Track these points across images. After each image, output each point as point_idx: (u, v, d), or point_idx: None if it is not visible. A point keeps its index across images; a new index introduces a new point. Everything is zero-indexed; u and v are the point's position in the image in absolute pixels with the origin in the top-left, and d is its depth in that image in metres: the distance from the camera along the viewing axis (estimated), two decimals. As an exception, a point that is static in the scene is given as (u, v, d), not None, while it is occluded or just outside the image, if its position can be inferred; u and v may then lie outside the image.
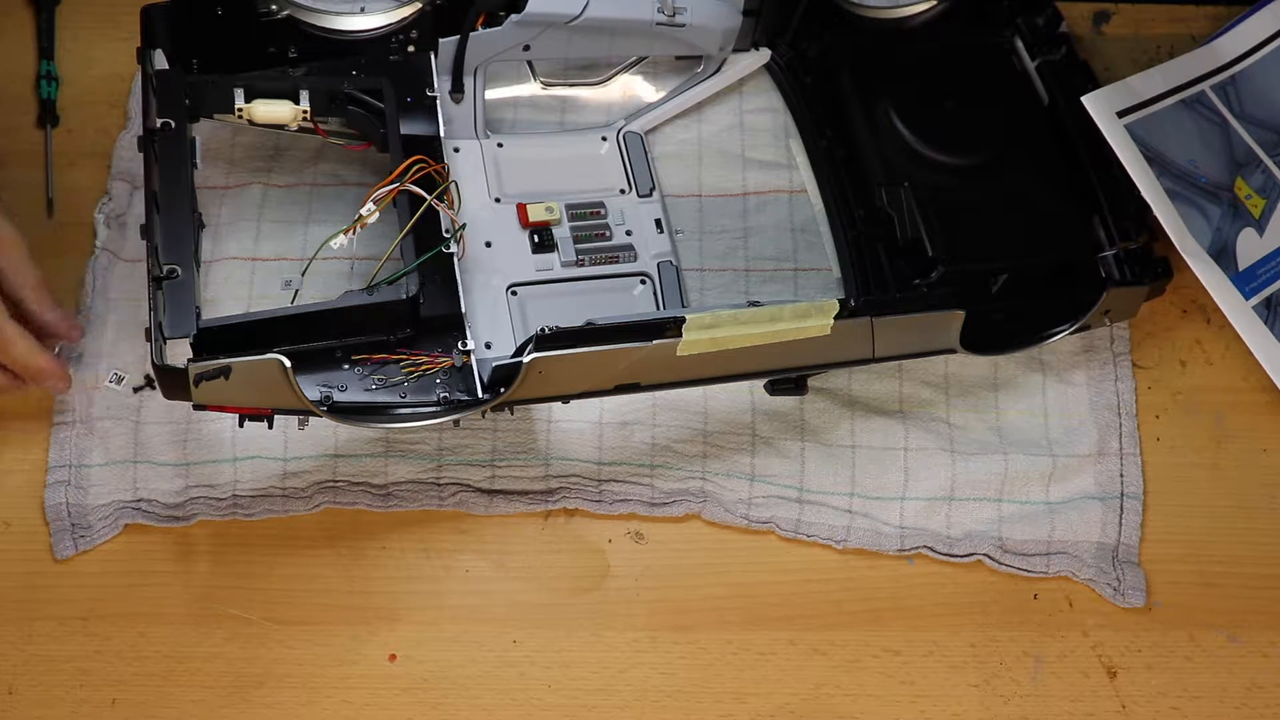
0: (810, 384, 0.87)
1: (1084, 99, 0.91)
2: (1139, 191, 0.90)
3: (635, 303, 0.89)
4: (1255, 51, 0.98)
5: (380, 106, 0.86)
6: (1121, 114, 0.92)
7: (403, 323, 0.79)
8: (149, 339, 0.73)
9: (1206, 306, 0.96)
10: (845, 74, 0.94)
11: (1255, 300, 0.91)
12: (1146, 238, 0.90)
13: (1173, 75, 0.95)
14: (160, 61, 0.85)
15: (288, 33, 0.87)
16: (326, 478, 0.86)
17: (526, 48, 0.92)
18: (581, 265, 0.89)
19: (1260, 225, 0.93)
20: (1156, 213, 0.90)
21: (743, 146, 0.98)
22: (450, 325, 0.81)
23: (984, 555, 0.87)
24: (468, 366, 0.80)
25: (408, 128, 0.86)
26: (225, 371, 0.72)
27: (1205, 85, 0.96)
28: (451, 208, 0.83)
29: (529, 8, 0.89)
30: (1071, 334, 0.89)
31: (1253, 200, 0.94)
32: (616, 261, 0.89)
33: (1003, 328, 0.88)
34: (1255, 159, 0.95)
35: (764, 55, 0.99)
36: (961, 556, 0.87)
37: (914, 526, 0.88)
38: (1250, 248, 0.93)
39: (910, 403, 0.91)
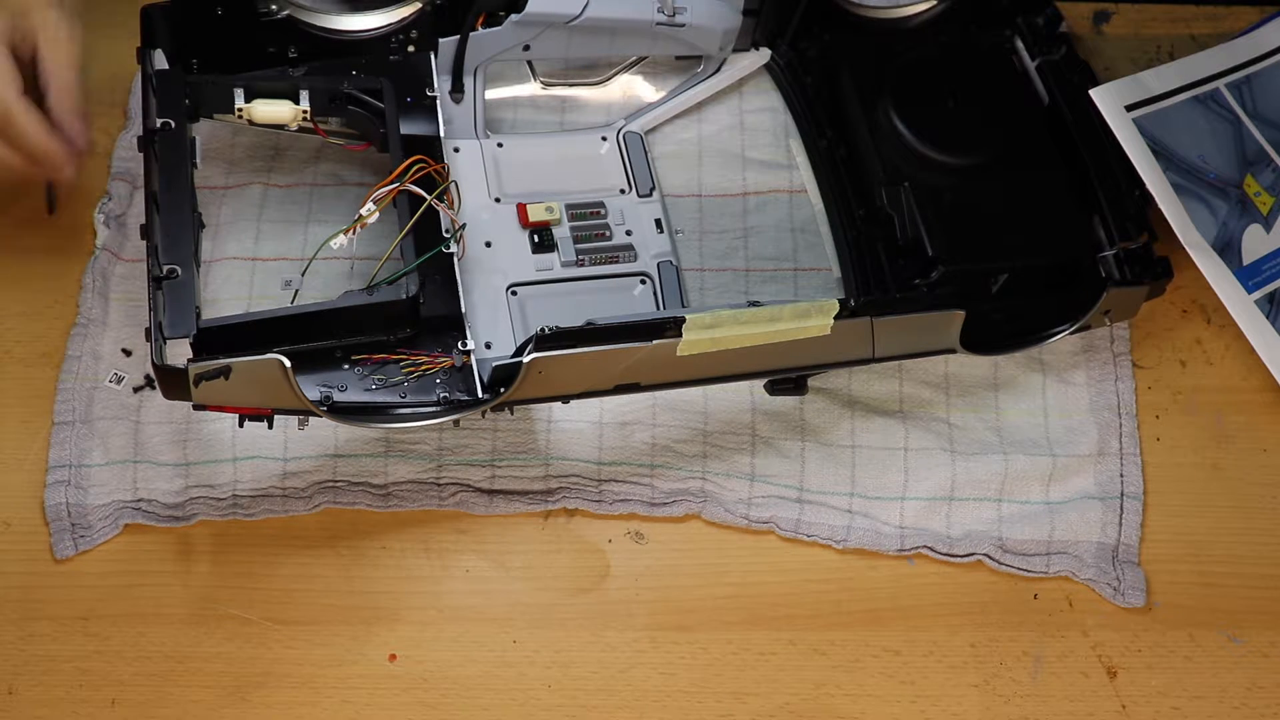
0: (810, 384, 0.87)
1: (1092, 92, 0.91)
2: (1140, 189, 0.91)
3: (635, 303, 0.89)
4: (1273, 54, 0.99)
5: (380, 106, 0.86)
6: (1129, 108, 0.92)
7: (403, 323, 0.79)
8: (149, 339, 0.73)
9: (1207, 306, 0.96)
10: (845, 74, 0.94)
11: (1258, 295, 0.91)
12: (1146, 238, 0.90)
13: (1188, 71, 0.96)
14: (160, 61, 0.85)
15: (288, 33, 0.87)
16: (326, 478, 0.86)
17: (526, 48, 0.92)
18: (581, 265, 0.89)
19: (1268, 222, 0.94)
20: (1161, 205, 0.90)
21: (743, 146, 0.98)
22: (450, 325, 0.81)
23: (984, 555, 0.87)
24: (468, 366, 0.80)
25: (408, 128, 0.86)
26: (225, 371, 0.72)
27: (1220, 83, 0.97)
28: (451, 208, 0.83)
29: (529, 8, 0.89)
30: (1071, 334, 0.89)
31: (1261, 197, 0.94)
32: (616, 261, 0.89)
33: (1003, 328, 0.88)
34: (1266, 157, 0.96)
35: (764, 55, 0.99)
36: (961, 556, 0.87)
37: (914, 526, 0.88)
38: (1256, 243, 0.93)
39: (910, 403, 0.91)
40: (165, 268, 0.76)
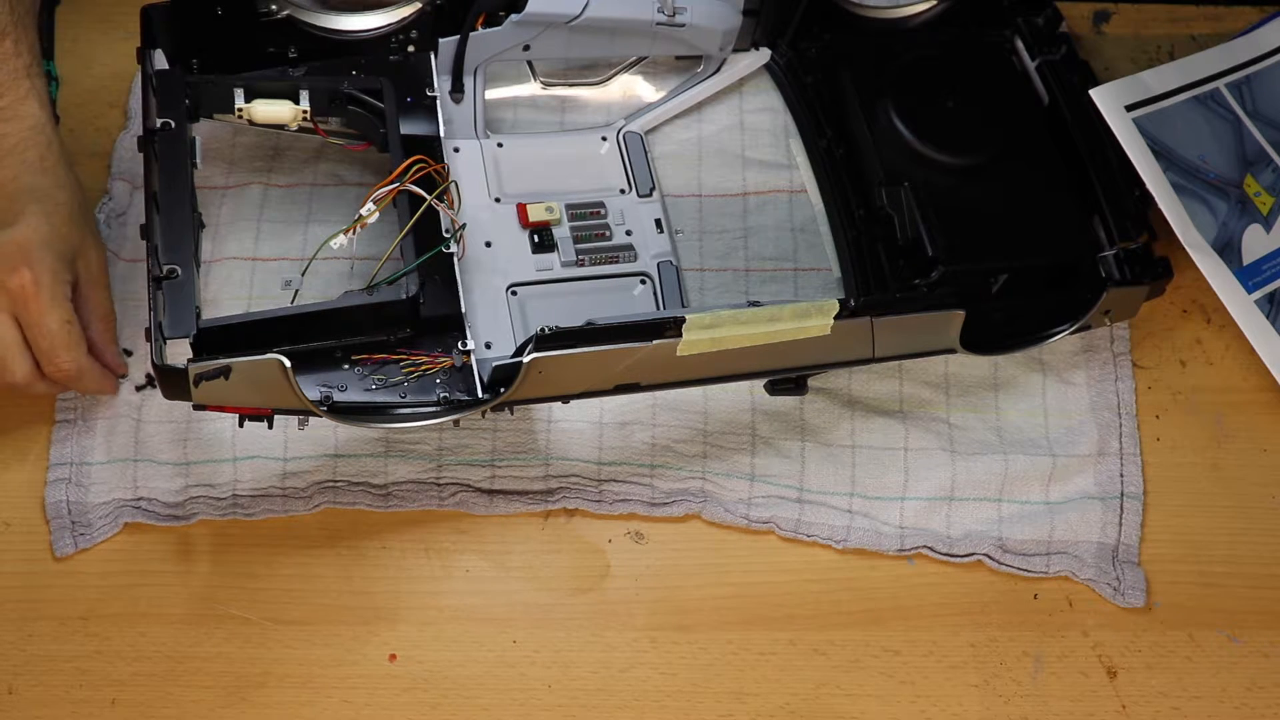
0: (810, 384, 0.87)
1: (1092, 91, 0.91)
2: (1140, 189, 0.91)
3: (635, 303, 0.89)
4: (1273, 55, 0.99)
5: (380, 106, 0.86)
6: (1129, 108, 0.92)
7: (403, 323, 0.79)
8: (149, 339, 0.73)
9: (1206, 306, 0.96)
10: (845, 74, 0.94)
11: (1258, 295, 0.91)
12: (1146, 237, 0.90)
13: (1188, 71, 0.96)
14: (160, 61, 0.85)
15: (288, 33, 0.87)
16: (326, 478, 0.86)
17: (526, 48, 0.92)
18: (581, 265, 0.89)
19: (1268, 222, 0.94)
20: (1161, 205, 0.90)
21: (743, 146, 0.98)
22: (450, 325, 0.81)
23: (984, 555, 0.87)
24: (468, 366, 0.80)
25: (408, 128, 0.86)
26: (225, 371, 0.72)
27: (1220, 83, 0.97)
28: (451, 208, 0.83)
29: (529, 8, 0.89)
30: (1071, 334, 0.89)
31: (1261, 197, 0.94)
32: (616, 261, 0.89)
33: (1003, 328, 0.88)
34: (1266, 157, 0.96)
35: (764, 55, 0.99)
36: (961, 556, 0.87)
37: (914, 526, 0.88)
38: (1256, 243, 0.93)
39: (910, 403, 0.91)
40: (165, 268, 0.76)
